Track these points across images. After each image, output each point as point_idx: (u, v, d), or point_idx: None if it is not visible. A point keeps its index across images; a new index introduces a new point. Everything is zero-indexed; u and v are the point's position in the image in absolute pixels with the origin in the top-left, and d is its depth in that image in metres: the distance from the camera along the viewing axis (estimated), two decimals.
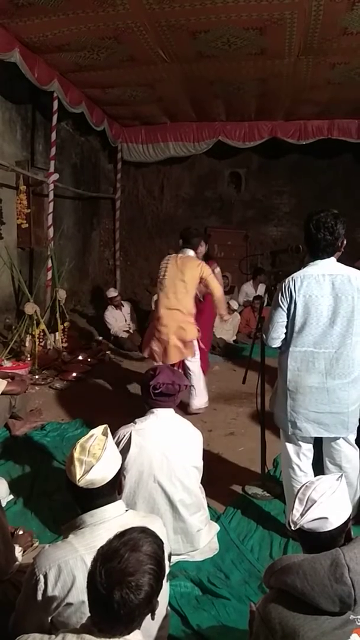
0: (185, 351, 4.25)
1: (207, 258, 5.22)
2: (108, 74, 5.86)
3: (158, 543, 1.26)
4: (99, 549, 1.22)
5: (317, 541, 1.40)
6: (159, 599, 1.67)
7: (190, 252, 4.49)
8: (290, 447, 2.58)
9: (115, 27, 4.63)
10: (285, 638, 1.28)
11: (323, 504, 1.40)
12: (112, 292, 7.25)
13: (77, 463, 1.56)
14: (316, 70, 5.59)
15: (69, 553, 1.50)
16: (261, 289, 8.10)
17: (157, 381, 2.40)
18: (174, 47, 5.09)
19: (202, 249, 5.00)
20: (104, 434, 1.67)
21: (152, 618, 1.23)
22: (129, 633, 1.18)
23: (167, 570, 1.74)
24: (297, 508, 1.43)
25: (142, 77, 5.99)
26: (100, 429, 1.69)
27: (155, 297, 4.46)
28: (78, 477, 1.54)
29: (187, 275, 4.24)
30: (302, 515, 1.40)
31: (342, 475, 1.53)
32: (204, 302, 4.98)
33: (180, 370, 3.17)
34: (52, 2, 4.15)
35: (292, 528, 1.42)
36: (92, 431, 1.67)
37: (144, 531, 1.27)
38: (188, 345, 4.26)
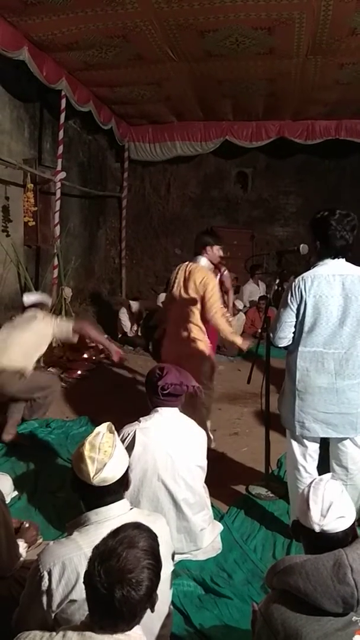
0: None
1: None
2: (116, 72, 5.87)
3: (153, 537, 1.27)
4: (94, 549, 1.23)
5: (330, 542, 1.38)
6: (162, 598, 1.68)
7: (202, 261, 3.77)
8: (296, 448, 2.57)
9: (124, 26, 4.64)
10: (287, 639, 1.28)
11: (339, 502, 1.40)
12: (134, 306, 7.18)
13: (88, 461, 1.56)
14: (324, 70, 5.57)
15: (73, 550, 1.51)
16: (262, 285, 8.09)
17: (165, 382, 2.40)
18: (182, 46, 5.08)
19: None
20: (111, 431, 1.67)
21: (152, 611, 1.24)
22: (130, 629, 1.19)
23: (172, 568, 1.74)
24: (315, 509, 1.41)
25: (150, 76, 5.99)
26: (105, 426, 1.69)
27: (161, 296, 4.10)
28: (92, 474, 1.54)
29: (190, 288, 3.62)
30: (323, 516, 1.39)
31: (332, 475, 1.55)
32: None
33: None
34: (61, 0, 4.16)
35: (316, 530, 1.39)
36: (98, 429, 1.67)
37: (138, 527, 1.28)
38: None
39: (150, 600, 1.20)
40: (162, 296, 6.40)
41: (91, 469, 1.55)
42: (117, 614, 1.15)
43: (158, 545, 1.27)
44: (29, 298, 4.15)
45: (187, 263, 3.85)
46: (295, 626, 1.28)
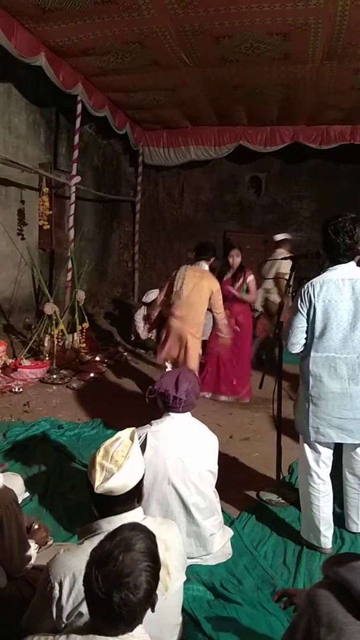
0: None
1: (241, 267, 5.15)
2: (132, 78, 5.92)
3: (151, 538, 1.25)
4: (91, 552, 1.21)
5: None
6: (173, 610, 1.64)
7: (205, 266, 4.49)
8: (309, 454, 2.56)
9: (140, 32, 4.68)
10: (329, 629, 1.23)
11: None
12: (151, 295, 6.79)
13: (98, 468, 1.53)
14: (340, 75, 5.55)
15: (84, 561, 1.46)
16: None
17: (154, 386, 2.43)
18: (197, 52, 5.11)
19: (238, 259, 5.10)
20: (131, 438, 1.62)
21: (152, 611, 1.23)
22: (132, 630, 1.19)
23: (184, 579, 1.71)
24: None
25: (165, 82, 6.03)
26: (127, 432, 1.64)
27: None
28: (97, 483, 1.51)
29: (204, 289, 4.17)
30: None
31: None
32: (241, 331, 4.90)
33: (187, 380, 2.52)
34: (79, 7, 4.21)
35: None
36: (119, 434, 1.63)
37: (135, 528, 1.26)
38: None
39: (150, 601, 1.19)
40: (152, 293, 6.51)
41: (98, 477, 1.51)
42: (117, 617, 1.15)
43: (156, 545, 1.25)
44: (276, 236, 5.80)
45: (191, 266, 4.40)
46: (342, 622, 1.22)
